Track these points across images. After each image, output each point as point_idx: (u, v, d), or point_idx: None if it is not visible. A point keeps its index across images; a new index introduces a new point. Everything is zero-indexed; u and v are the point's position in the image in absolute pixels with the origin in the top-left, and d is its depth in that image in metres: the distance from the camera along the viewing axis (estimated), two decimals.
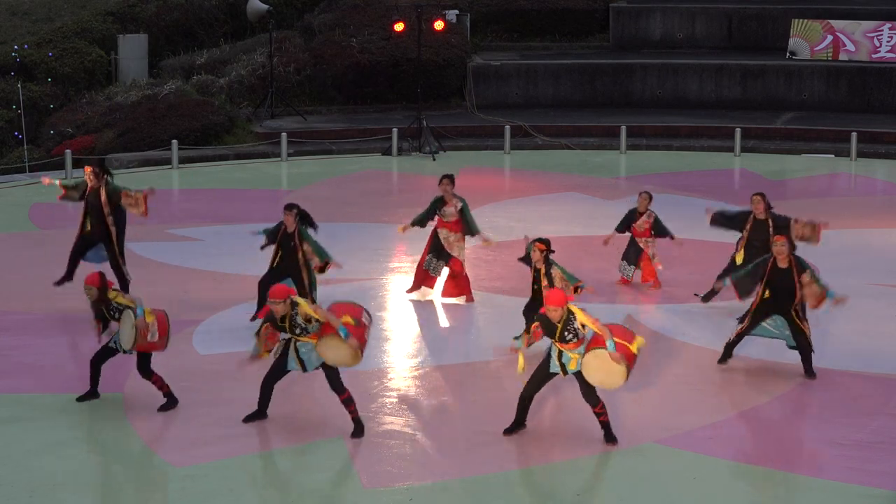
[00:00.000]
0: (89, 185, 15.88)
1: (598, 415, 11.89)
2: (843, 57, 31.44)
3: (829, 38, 31.62)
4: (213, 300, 16.42)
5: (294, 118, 29.94)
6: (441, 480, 11.22)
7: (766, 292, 13.68)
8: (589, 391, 11.73)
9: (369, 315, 12.10)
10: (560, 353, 11.75)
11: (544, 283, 13.87)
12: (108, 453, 11.87)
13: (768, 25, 33.31)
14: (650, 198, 17.13)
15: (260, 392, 12.31)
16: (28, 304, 16.36)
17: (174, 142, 26.57)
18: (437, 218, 16.61)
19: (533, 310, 14.02)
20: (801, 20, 32.00)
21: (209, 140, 28.08)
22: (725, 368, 14.16)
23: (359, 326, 11.81)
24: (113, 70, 31.78)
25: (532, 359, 14.05)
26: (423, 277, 16.72)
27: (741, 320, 14.12)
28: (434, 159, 27.13)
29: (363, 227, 20.71)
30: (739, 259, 15.67)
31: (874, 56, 31.24)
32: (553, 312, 11.58)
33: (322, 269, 15.24)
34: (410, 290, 16.86)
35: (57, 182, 16.51)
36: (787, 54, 31.88)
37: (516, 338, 12.52)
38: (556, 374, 11.90)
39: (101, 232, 15.95)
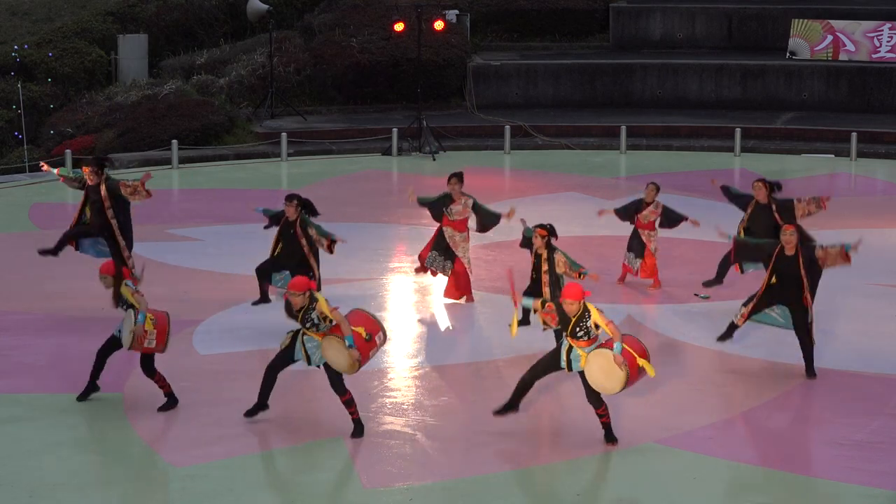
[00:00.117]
0: (89, 182, 15.83)
1: (600, 416, 11.89)
2: (843, 57, 31.44)
3: (829, 38, 31.63)
4: (213, 300, 16.42)
5: (294, 118, 29.95)
6: (441, 480, 11.22)
7: (773, 278, 13.68)
8: (592, 392, 11.71)
9: (385, 336, 12.02)
10: (570, 349, 11.73)
11: (545, 267, 13.83)
12: (108, 453, 11.87)
13: (768, 25, 33.32)
14: (657, 189, 17.06)
15: (262, 382, 12.25)
16: (28, 304, 16.36)
17: (174, 142, 26.58)
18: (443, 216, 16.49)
19: (530, 296, 14.02)
20: (801, 20, 32.00)
21: (209, 140, 28.08)
22: (725, 368, 14.16)
23: (368, 342, 11.75)
24: (113, 70, 31.78)
25: (531, 359, 14.07)
26: (426, 268, 16.62)
27: (746, 304, 14.08)
28: (434, 159, 27.13)
29: (363, 227, 20.72)
30: (741, 237, 15.76)
31: (874, 56, 31.24)
32: (569, 306, 11.55)
33: (331, 249, 15.13)
34: (418, 271, 16.77)
35: (55, 171, 16.43)
36: (787, 54, 31.88)
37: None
38: (562, 368, 11.87)
39: (102, 225, 15.87)
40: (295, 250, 15.00)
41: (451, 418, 12.70)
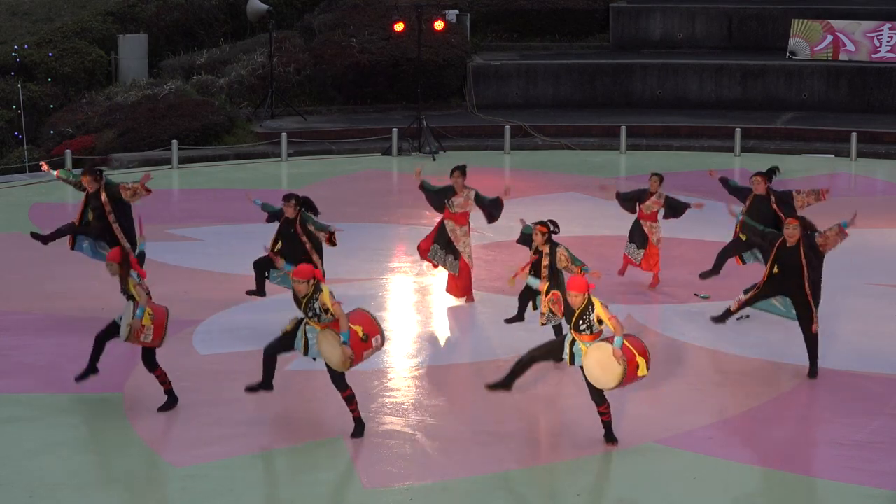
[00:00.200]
0: (89, 190, 15.76)
1: (601, 414, 11.86)
2: (843, 57, 31.44)
3: (829, 38, 31.63)
4: (213, 300, 16.42)
5: (294, 118, 29.95)
6: (441, 480, 11.22)
7: (775, 268, 13.69)
8: (594, 388, 11.68)
9: (383, 340, 11.97)
10: (573, 342, 11.72)
11: (544, 262, 13.78)
12: (108, 453, 11.87)
13: (768, 25, 33.32)
14: (661, 179, 17.01)
15: (263, 364, 12.23)
16: (28, 304, 16.36)
17: (174, 142, 26.58)
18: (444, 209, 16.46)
19: (529, 295, 14.01)
20: (801, 20, 32.00)
21: (209, 140, 28.08)
22: (725, 368, 14.17)
23: (364, 342, 11.71)
24: (113, 70, 31.78)
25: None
26: (427, 259, 16.61)
27: (746, 291, 14.08)
28: (434, 159, 27.13)
29: (363, 227, 20.71)
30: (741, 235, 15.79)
31: (874, 56, 31.24)
32: (574, 298, 11.53)
33: (332, 241, 15.07)
34: (423, 259, 16.79)
35: (55, 173, 16.36)
36: (787, 54, 31.88)
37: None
38: (563, 359, 11.87)
39: (104, 229, 15.83)
40: (295, 248, 14.95)
41: (451, 418, 12.70)
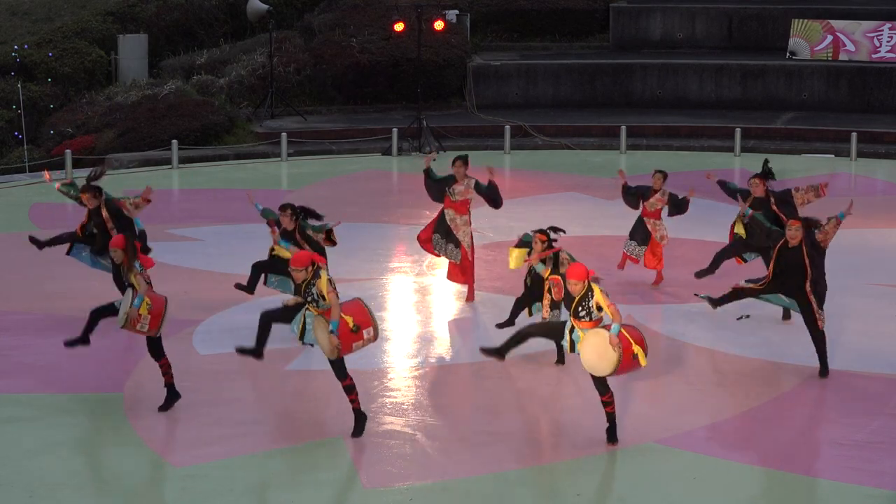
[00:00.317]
0: (89, 206, 15.73)
1: (604, 404, 11.77)
2: (843, 57, 31.45)
3: (829, 38, 31.64)
4: (213, 300, 16.41)
5: (294, 118, 29.96)
6: (441, 480, 11.21)
7: (777, 268, 13.69)
8: (598, 378, 11.64)
9: (376, 333, 11.89)
10: (572, 329, 11.72)
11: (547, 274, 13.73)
12: (108, 453, 11.87)
13: (768, 25, 33.34)
14: (665, 176, 17.00)
15: (258, 329, 12.20)
16: (28, 304, 16.35)
17: (174, 142, 26.59)
18: (445, 197, 16.46)
19: (526, 301, 13.96)
20: (801, 20, 32.01)
21: (209, 140, 28.10)
22: (725, 369, 14.16)
23: (354, 333, 11.65)
24: (113, 70, 31.79)
25: (531, 359, 14.06)
26: (430, 248, 16.60)
27: (750, 281, 14.06)
28: (434, 159, 27.07)
29: (363, 227, 20.71)
30: (738, 229, 15.76)
31: (874, 56, 31.25)
32: (573, 286, 11.51)
33: (330, 240, 15.00)
34: (423, 248, 16.79)
35: (56, 185, 16.35)
36: (787, 54, 31.89)
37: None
38: (563, 344, 11.87)
39: (107, 244, 15.72)
40: None
41: (451, 418, 12.69)
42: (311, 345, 11.96)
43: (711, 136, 29.00)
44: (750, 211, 15.05)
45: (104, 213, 15.65)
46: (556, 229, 13.84)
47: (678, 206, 16.95)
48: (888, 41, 31.25)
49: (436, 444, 11.97)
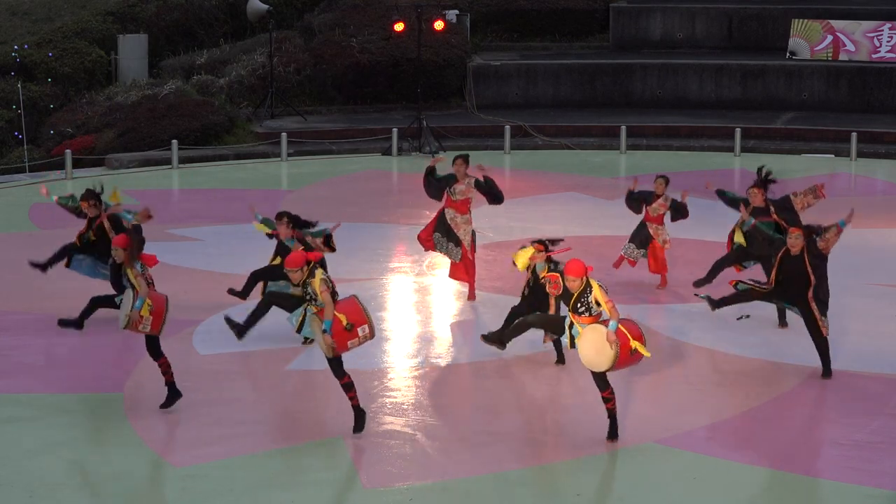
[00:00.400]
0: (89, 215, 15.71)
1: (605, 400, 11.77)
2: (843, 57, 31.45)
3: (829, 38, 31.63)
4: (213, 300, 16.40)
5: (294, 118, 29.96)
6: (441, 480, 11.21)
7: (780, 276, 13.69)
8: (598, 374, 11.64)
9: (371, 330, 11.81)
10: (571, 325, 11.72)
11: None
12: (108, 453, 11.86)
13: (768, 25, 33.33)
14: (667, 182, 17.04)
15: (257, 305, 12.12)
16: (28, 304, 16.35)
17: (174, 142, 26.59)
18: (445, 196, 16.46)
19: (521, 311, 13.90)
20: (801, 20, 32.01)
21: (209, 140, 28.09)
22: (725, 369, 14.16)
23: (349, 332, 11.62)
24: (113, 70, 31.78)
25: (531, 359, 14.07)
26: (431, 246, 16.59)
27: (756, 281, 14.07)
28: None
29: (363, 227, 20.71)
30: (738, 237, 15.72)
31: (874, 56, 31.25)
32: (571, 283, 11.52)
33: (328, 245, 14.94)
34: (423, 247, 16.81)
35: (54, 199, 16.27)
36: (787, 54, 31.89)
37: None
38: (563, 337, 11.87)
39: (107, 250, 15.68)
40: None
41: (451, 418, 12.70)
42: (306, 338, 11.97)
43: (711, 136, 29.00)
44: (753, 220, 15.04)
45: (106, 224, 15.64)
46: (553, 241, 13.74)
47: (679, 211, 16.98)
48: (888, 41, 31.24)
49: (436, 444, 11.97)
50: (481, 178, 16.31)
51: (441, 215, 16.41)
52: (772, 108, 30.67)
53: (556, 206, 22.54)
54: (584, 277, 11.49)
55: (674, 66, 31.65)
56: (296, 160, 27.56)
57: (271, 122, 29.51)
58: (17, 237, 20.30)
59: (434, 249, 16.55)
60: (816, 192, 15.72)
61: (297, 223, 14.88)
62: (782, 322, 15.49)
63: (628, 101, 31.49)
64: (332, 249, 14.79)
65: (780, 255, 13.68)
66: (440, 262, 17.59)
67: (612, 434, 11.87)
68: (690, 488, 11.12)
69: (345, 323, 11.59)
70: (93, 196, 15.69)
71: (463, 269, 16.52)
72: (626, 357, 11.45)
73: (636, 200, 17.12)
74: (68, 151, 25.51)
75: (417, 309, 16.62)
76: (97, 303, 14.15)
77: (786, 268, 13.62)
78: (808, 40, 31.78)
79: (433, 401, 13.22)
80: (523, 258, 13.61)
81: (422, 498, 10.86)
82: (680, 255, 18.07)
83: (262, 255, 15.62)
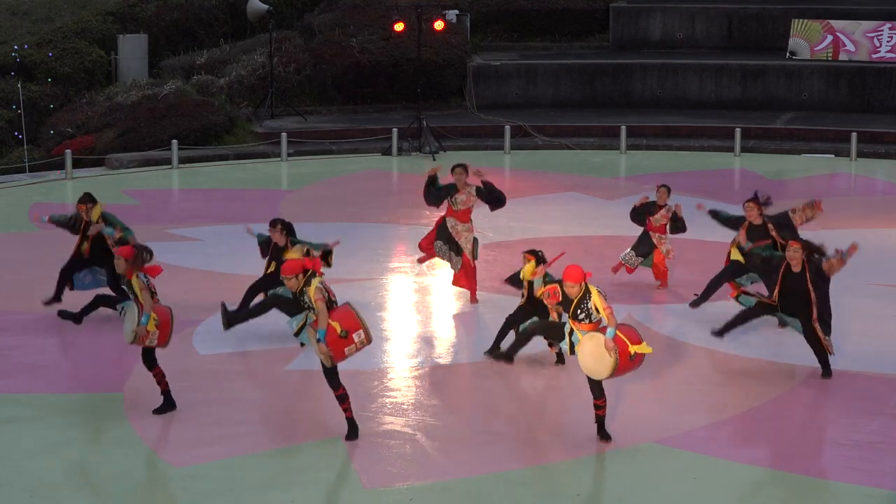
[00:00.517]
0: (85, 219, 15.69)
1: (597, 408, 11.82)
2: (843, 57, 31.45)
3: (829, 38, 31.63)
4: (213, 300, 16.38)
5: (294, 118, 29.96)
6: (441, 480, 11.21)
7: (783, 290, 13.69)
8: (593, 381, 11.65)
9: (367, 336, 11.73)
10: (571, 332, 11.72)
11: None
12: (108, 453, 11.86)
13: (768, 25, 33.33)
14: (669, 191, 17.06)
15: (259, 303, 12.13)
16: (28, 304, 16.34)
17: (174, 142, 26.58)
18: (447, 206, 16.45)
19: (518, 320, 13.86)
20: (801, 20, 32.01)
21: (209, 140, 28.09)
22: (725, 369, 14.16)
23: (343, 339, 11.55)
24: (113, 70, 31.78)
25: (531, 359, 14.06)
26: (432, 253, 16.58)
27: (762, 295, 14.09)
28: (434, 159, 27.12)
29: (363, 227, 20.72)
30: (735, 255, 15.65)
31: (874, 56, 31.25)
32: (570, 288, 11.52)
33: (328, 261, 14.95)
34: (422, 260, 16.79)
35: (45, 219, 16.17)
36: (787, 54, 31.89)
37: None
38: (563, 344, 11.87)
39: (102, 256, 15.67)
40: None
41: (451, 418, 12.69)
42: (303, 344, 11.96)
43: (711, 136, 29.00)
44: (749, 245, 15.01)
45: (102, 226, 15.60)
46: (542, 259, 13.73)
47: (678, 224, 16.99)
48: (888, 41, 31.24)
49: (436, 444, 11.97)
50: (480, 185, 16.29)
51: (442, 224, 16.41)
52: (772, 108, 30.67)
53: (556, 206, 22.54)
54: (583, 283, 11.49)
55: (674, 66, 31.65)
56: (296, 160, 27.56)
57: (271, 122, 29.51)
58: (17, 237, 20.30)
59: (435, 255, 16.55)
60: (814, 206, 15.66)
61: (291, 230, 14.92)
62: (782, 322, 15.48)
63: (628, 101, 31.49)
64: (328, 265, 14.74)
65: (781, 272, 13.65)
66: (441, 263, 17.59)
67: (604, 435, 11.88)
68: (690, 488, 11.12)
69: (339, 330, 11.56)
70: (89, 198, 15.66)
71: (464, 277, 16.51)
72: (625, 363, 11.47)
73: (640, 214, 17.15)
74: (68, 151, 25.50)
75: (417, 309, 16.62)
76: (100, 301, 14.15)
77: (788, 283, 13.61)
78: (808, 40, 31.78)
79: (433, 401, 13.22)
80: (525, 276, 13.66)
81: (422, 498, 10.86)
82: (680, 256, 18.05)
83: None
